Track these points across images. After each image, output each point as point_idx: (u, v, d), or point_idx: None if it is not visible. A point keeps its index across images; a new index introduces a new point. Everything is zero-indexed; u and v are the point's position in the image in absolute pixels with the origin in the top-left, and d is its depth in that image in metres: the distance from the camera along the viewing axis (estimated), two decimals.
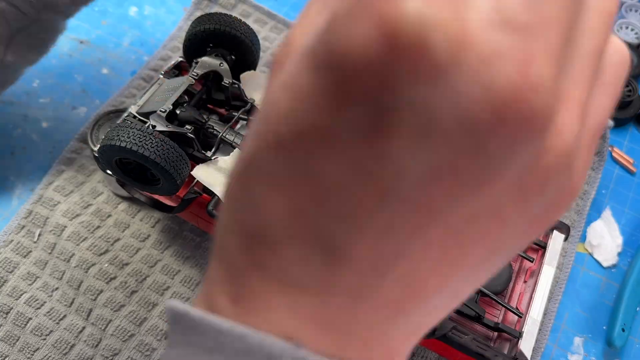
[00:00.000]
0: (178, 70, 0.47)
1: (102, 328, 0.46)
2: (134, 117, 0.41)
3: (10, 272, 0.48)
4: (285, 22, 0.68)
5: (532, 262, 0.42)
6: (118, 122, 0.41)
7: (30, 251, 0.49)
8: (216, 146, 0.41)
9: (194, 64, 0.44)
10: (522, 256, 0.42)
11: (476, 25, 0.11)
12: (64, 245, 0.49)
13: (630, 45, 0.67)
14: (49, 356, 0.44)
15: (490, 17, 0.11)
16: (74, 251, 0.49)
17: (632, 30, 0.69)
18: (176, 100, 0.41)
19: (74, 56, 0.63)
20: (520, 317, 0.40)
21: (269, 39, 0.67)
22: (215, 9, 0.69)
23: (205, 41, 0.44)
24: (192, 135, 0.40)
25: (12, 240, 0.49)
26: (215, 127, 0.42)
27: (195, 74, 0.43)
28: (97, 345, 0.45)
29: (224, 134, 0.41)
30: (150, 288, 0.48)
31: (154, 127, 0.39)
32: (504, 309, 0.41)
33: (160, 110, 0.40)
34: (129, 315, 0.46)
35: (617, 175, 0.59)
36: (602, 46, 0.14)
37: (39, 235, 0.50)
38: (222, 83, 0.43)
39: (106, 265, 0.49)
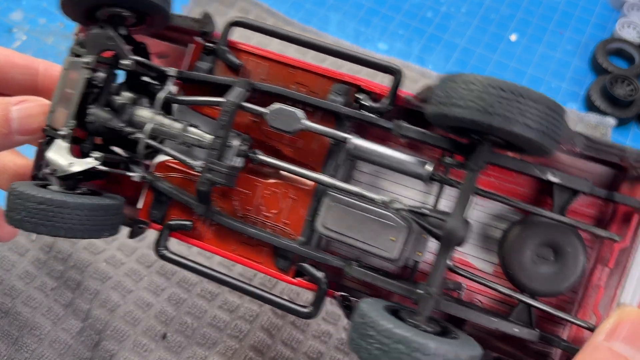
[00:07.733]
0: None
1: (100, 328, 0.46)
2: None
3: (8, 270, 0.48)
4: (285, 19, 0.68)
5: (618, 241, 0.29)
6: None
7: (28, 250, 0.49)
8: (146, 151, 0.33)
9: (76, 39, 0.34)
10: (602, 237, 0.30)
11: None
12: (61, 244, 0.49)
13: (632, 44, 0.66)
14: (46, 355, 0.44)
15: None
16: (71, 251, 0.49)
17: (634, 28, 0.68)
18: (79, 106, 0.32)
19: None
20: (593, 330, 0.28)
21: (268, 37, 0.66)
22: (214, 5, 0.69)
23: (84, 8, 0.33)
24: (104, 168, 0.32)
25: None
26: (138, 131, 0.33)
27: (87, 63, 0.33)
28: (94, 346, 0.45)
29: (149, 141, 0.33)
30: (146, 288, 0.48)
31: (53, 173, 0.32)
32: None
33: (62, 135, 0.32)
34: (125, 316, 0.46)
35: None
36: None
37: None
38: (120, 65, 0.33)
39: (103, 264, 0.49)
